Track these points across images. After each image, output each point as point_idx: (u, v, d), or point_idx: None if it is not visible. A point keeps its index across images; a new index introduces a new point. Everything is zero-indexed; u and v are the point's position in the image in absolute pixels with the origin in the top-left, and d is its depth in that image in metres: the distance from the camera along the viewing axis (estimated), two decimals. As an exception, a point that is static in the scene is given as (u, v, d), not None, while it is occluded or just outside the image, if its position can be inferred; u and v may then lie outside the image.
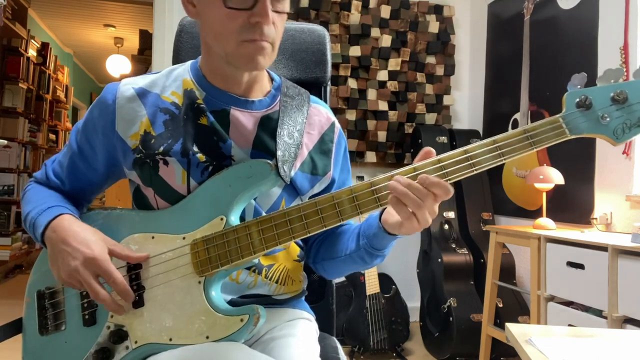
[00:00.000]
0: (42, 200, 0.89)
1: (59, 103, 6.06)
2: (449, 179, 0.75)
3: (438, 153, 0.77)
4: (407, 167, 0.77)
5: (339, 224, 0.78)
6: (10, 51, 4.40)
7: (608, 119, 0.77)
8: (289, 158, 0.86)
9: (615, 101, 0.77)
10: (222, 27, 0.80)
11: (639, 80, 0.78)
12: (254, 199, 0.87)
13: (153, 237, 0.84)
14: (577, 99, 0.78)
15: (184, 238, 0.82)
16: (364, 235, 0.86)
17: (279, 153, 0.85)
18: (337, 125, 1.00)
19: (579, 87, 0.79)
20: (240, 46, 0.80)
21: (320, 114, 0.97)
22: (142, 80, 0.91)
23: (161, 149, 0.85)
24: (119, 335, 0.81)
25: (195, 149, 0.85)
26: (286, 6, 0.83)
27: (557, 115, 0.79)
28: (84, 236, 0.81)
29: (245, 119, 0.88)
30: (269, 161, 0.82)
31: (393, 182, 0.73)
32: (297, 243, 0.98)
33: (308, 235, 0.78)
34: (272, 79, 0.95)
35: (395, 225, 0.78)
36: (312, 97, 0.99)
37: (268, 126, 0.89)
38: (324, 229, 0.77)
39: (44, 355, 0.87)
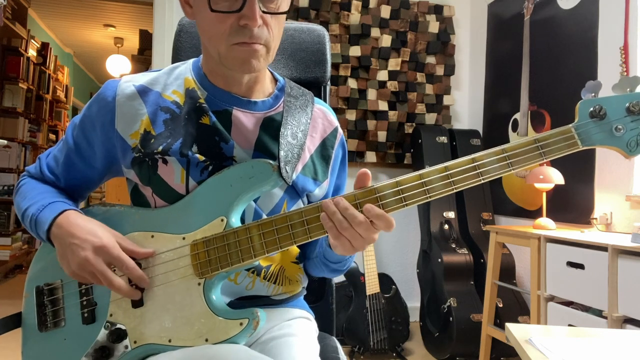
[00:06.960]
0: (40, 196, 0.87)
1: (59, 103, 6.06)
2: (456, 188, 0.74)
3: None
4: (411, 175, 0.75)
5: None
6: (10, 51, 4.40)
7: (622, 131, 0.74)
8: (292, 159, 0.84)
9: (630, 112, 0.75)
10: (213, 30, 0.79)
11: None
12: (255, 201, 0.86)
13: (152, 236, 0.83)
14: (591, 109, 0.75)
15: (183, 238, 0.81)
16: (320, 244, 0.86)
17: (281, 153, 0.83)
18: (340, 131, 0.98)
19: (593, 95, 0.76)
20: (231, 49, 0.79)
21: (323, 117, 0.95)
22: (142, 78, 0.89)
23: (160, 148, 0.84)
24: (118, 334, 0.81)
25: (194, 148, 0.84)
26: (281, 6, 0.80)
27: (570, 125, 0.76)
28: (90, 227, 0.80)
29: (247, 120, 0.87)
30: (271, 161, 0.81)
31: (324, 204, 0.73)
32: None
33: (310, 240, 0.76)
34: (275, 80, 0.94)
35: (332, 245, 0.77)
36: (316, 99, 0.97)
37: (270, 128, 0.87)
38: (327, 234, 0.76)
39: (43, 351, 0.86)
